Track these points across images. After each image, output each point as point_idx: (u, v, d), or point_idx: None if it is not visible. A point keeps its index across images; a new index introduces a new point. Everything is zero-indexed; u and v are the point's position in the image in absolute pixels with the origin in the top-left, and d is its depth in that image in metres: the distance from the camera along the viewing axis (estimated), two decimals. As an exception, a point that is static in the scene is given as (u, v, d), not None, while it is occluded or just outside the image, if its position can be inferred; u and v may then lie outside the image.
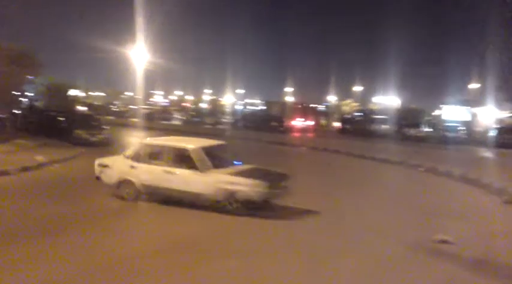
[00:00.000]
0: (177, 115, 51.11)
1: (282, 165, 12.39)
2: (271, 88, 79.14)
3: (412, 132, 37.50)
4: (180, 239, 7.30)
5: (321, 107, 64.71)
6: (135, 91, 50.42)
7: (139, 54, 35.59)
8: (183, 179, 9.11)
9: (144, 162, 9.64)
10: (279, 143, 26.81)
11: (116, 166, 9.95)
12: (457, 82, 55.45)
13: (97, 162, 10.33)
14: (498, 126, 38.95)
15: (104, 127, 22.39)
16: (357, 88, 69.43)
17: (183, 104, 77.20)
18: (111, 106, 62.29)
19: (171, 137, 11.62)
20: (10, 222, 7.90)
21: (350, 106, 63.02)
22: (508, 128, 37.66)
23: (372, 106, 57.89)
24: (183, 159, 9.30)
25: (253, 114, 54.70)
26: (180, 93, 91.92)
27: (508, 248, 7.84)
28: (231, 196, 8.80)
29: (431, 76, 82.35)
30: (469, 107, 49.59)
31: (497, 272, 6.53)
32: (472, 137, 37.44)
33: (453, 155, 24.80)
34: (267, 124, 40.04)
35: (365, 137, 33.57)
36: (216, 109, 62.43)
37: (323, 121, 54.51)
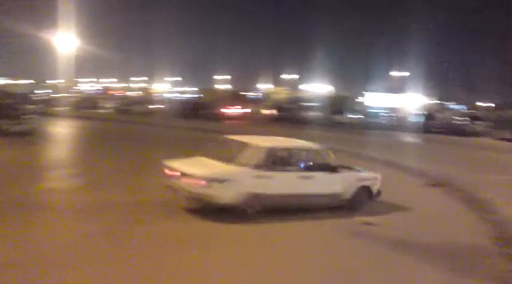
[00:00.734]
0: (105, 103, 49.03)
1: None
2: (207, 76, 78.16)
3: (340, 118, 38.76)
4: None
5: (255, 94, 65.14)
6: (61, 79, 47.96)
7: (64, 39, 33.80)
8: (322, 182, 8.71)
9: (273, 169, 8.28)
10: (211, 131, 26.43)
11: (237, 179, 7.90)
12: (382, 69, 58.37)
13: (200, 175, 7.71)
14: (424, 113, 41.29)
15: (26, 116, 21.08)
16: (288, 76, 70.81)
17: (112, 92, 74.35)
18: (34, 94, 58.55)
19: (263, 137, 10.16)
20: None
21: (284, 93, 63.86)
22: (433, 114, 40.12)
23: (302, 94, 59.14)
24: (313, 160, 8.95)
25: (186, 101, 53.82)
26: (110, 80, 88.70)
27: (427, 229, 8.46)
28: (364, 192, 9.19)
29: (359, 64, 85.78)
30: (392, 94, 52.12)
31: (418, 251, 7.03)
32: (396, 123, 39.44)
33: (377, 140, 26.09)
34: (200, 112, 39.67)
35: (297, 124, 34.15)
36: (147, 97, 60.76)
37: (256, 109, 54.92)
